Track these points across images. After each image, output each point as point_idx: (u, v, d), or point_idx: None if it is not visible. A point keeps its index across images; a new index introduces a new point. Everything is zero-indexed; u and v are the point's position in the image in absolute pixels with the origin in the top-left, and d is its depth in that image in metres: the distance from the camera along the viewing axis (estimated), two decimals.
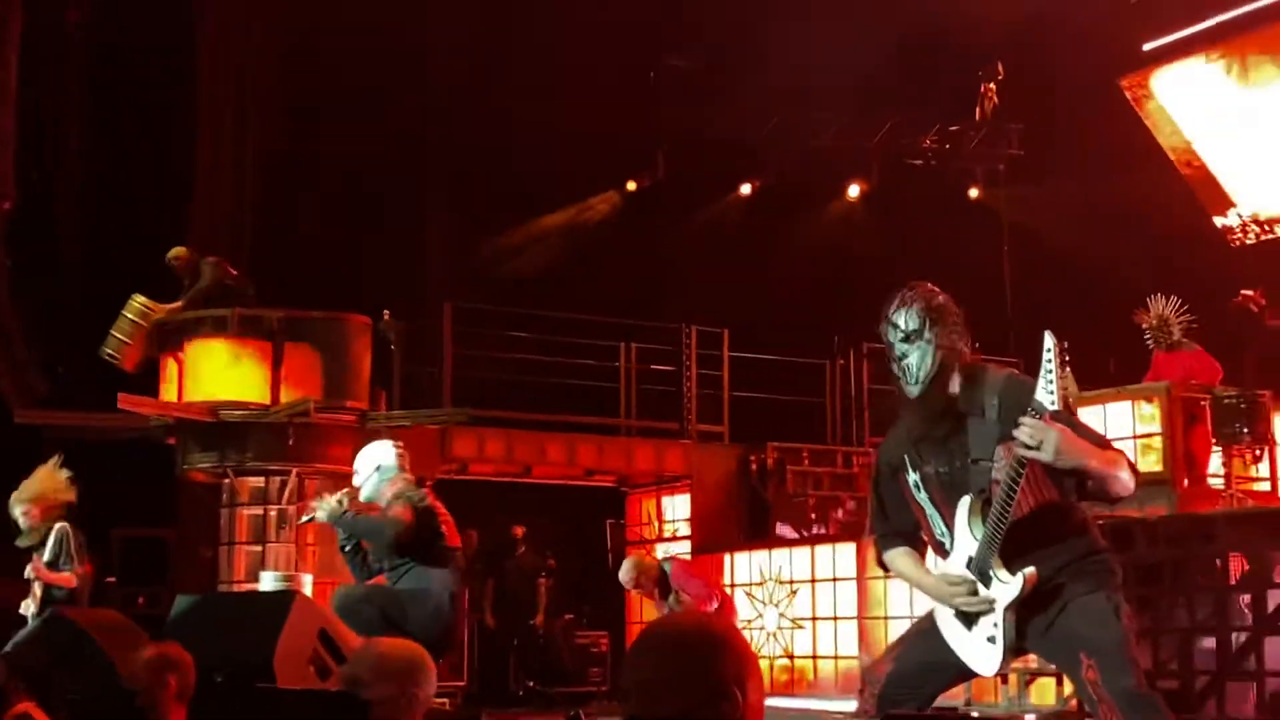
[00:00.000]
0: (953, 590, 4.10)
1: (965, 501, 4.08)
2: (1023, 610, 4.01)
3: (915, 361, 4.09)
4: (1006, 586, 3.98)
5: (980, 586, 4.05)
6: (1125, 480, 3.93)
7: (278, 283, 12.85)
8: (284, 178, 14.34)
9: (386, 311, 12.32)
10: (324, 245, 14.04)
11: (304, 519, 7.45)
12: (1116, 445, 4.12)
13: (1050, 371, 3.78)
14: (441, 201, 15.05)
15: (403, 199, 14.84)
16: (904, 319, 4.11)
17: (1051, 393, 3.78)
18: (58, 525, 8.35)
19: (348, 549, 6.95)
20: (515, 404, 13.52)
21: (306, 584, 9.65)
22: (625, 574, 9.17)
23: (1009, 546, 3.97)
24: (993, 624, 4.03)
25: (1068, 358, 3.77)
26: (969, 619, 4.11)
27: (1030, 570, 3.96)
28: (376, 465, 7.01)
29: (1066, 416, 3.86)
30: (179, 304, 11.60)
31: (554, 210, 15.94)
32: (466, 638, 12.83)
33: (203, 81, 14.43)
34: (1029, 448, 3.80)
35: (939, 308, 4.14)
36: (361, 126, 14.30)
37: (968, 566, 4.08)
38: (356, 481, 7.04)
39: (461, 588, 7.12)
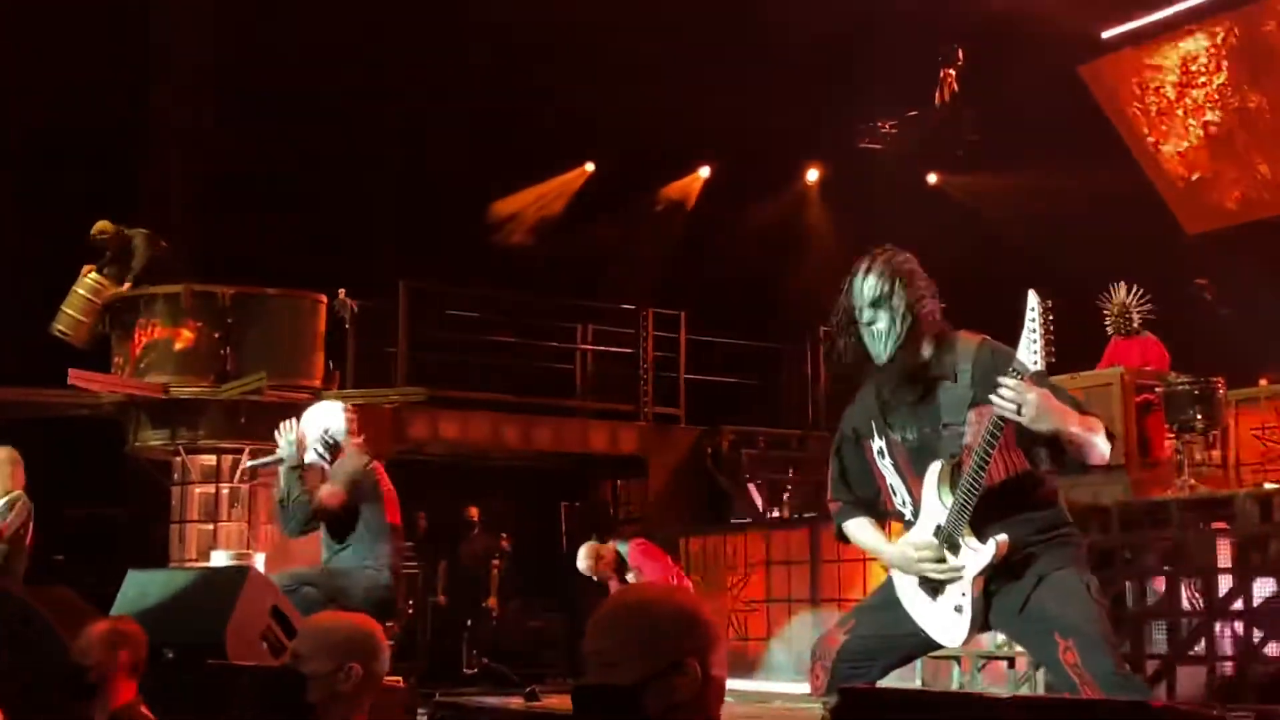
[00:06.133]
0: (919, 557, 3.97)
1: (935, 467, 3.96)
2: (991, 582, 3.91)
3: (884, 326, 3.97)
4: (977, 554, 3.88)
5: (948, 554, 3.93)
6: (1103, 447, 3.80)
7: (230, 259, 12.70)
8: (236, 154, 14.14)
9: (341, 289, 12.21)
10: (278, 221, 13.87)
11: (257, 463, 7.33)
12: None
13: (1034, 331, 3.66)
14: (397, 180, 14.90)
15: (359, 176, 14.67)
16: (872, 282, 3.98)
17: (1035, 353, 3.65)
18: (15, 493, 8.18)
19: (287, 503, 6.68)
20: (470, 385, 13.44)
21: (259, 562, 9.57)
22: (582, 562, 9.15)
23: (979, 514, 3.86)
24: (960, 593, 3.93)
25: (1052, 318, 3.63)
26: (934, 589, 4.00)
27: (1003, 537, 3.84)
28: (325, 428, 6.75)
29: (1046, 378, 3.75)
30: (128, 283, 11.43)
31: (511, 191, 15.83)
32: (419, 618, 12.75)
33: (151, 49, 14.20)
34: (1008, 408, 3.68)
35: (908, 271, 4.02)
36: (317, 104, 14.14)
37: (935, 534, 3.96)
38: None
39: (400, 565, 6.92)
